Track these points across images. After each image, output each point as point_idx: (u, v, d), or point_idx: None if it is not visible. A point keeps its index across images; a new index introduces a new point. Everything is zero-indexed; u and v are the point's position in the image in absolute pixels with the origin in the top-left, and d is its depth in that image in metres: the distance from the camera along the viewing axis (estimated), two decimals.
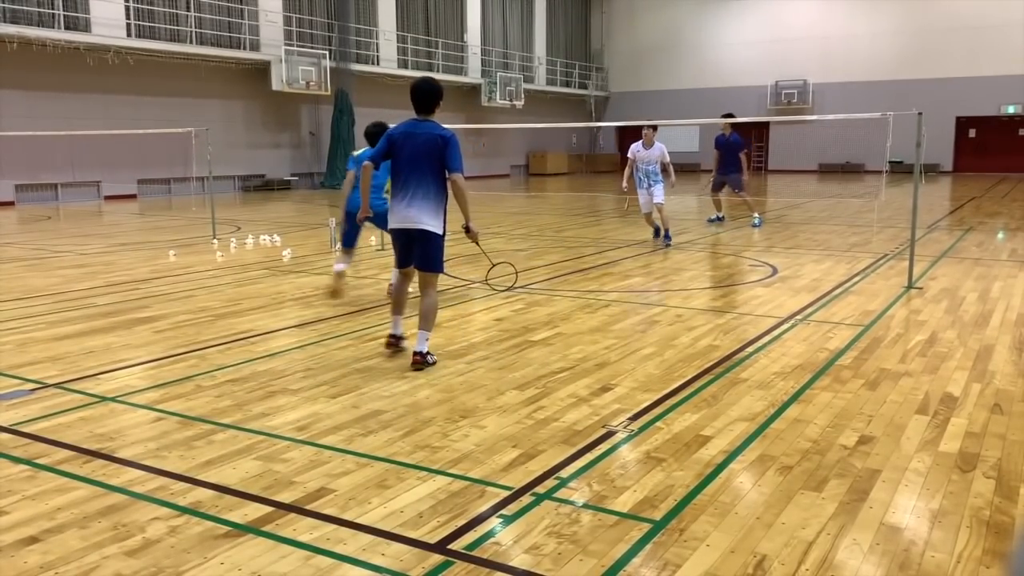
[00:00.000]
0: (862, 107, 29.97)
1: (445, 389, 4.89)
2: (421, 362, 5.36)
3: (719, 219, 14.45)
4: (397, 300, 5.79)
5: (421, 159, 5.39)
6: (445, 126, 5.50)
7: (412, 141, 5.40)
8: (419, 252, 5.49)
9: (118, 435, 4.14)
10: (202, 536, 3.08)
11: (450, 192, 5.49)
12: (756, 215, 14.26)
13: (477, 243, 5.87)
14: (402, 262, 5.67)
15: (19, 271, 9.70)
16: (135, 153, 21.27)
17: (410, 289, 5.95)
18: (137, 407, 4.59)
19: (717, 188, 14.52)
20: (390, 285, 7.32)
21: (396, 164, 5.48)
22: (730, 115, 13.64)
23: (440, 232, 5.47)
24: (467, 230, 5.61)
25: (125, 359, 5.62)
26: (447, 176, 5.41)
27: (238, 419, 4.38)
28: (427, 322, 5.47)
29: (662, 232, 11.84)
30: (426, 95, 5.46)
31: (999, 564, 2.85)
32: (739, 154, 14.05)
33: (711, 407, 4.52)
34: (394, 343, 5.73)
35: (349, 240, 7.70)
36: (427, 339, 5.44)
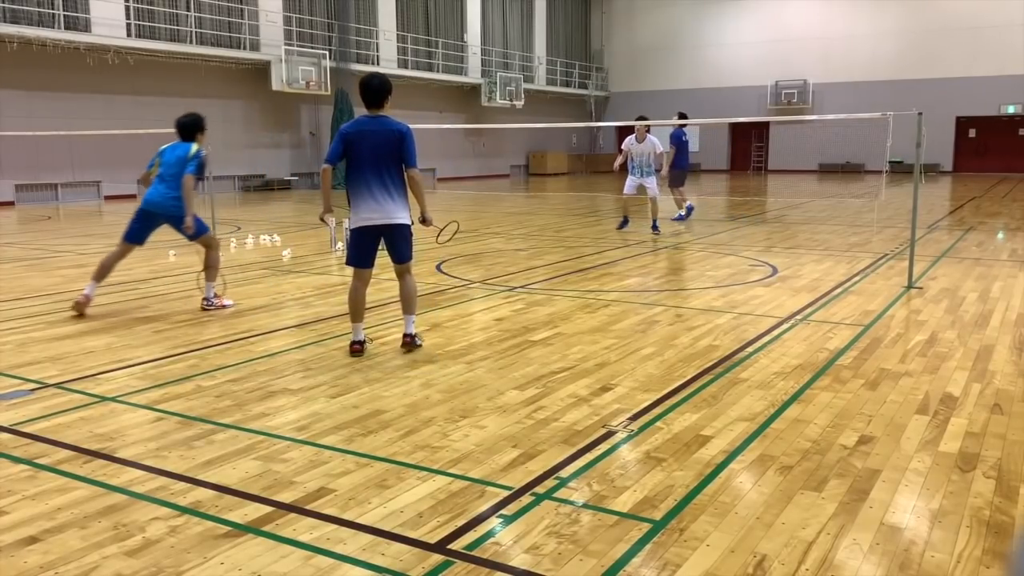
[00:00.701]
0: (862, 107, 29.96)
1: (445, 389, 4.89)
2: (411, 343, 5.70)
3: (688, 210, 14.55)
4: (357, 307, 5.71)
5: (383, 155, 5.54)
6: (406, 123, 5.70)
7: (370, 138, 5.53)
8: (395, 247, 5.68)
9: (118, 435, 4.14)
10: (202, 536, 3.08)
11: None
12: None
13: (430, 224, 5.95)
14: (365, 261, 5.70)
15: (19, 271, 9.70)
16: (135, 153, 21.15)
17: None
18: (137, 407, 4.59)
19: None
20: (82, 296, 6.99)
21: (354, 162, 5.58)
22: (682, 115, 14.62)
23: (410, 223, 5.71)
24: (423, 220, 5.83)
25: (125, 359, 5.62)
26: (405, 170, 5.62)
27: (238, 419, 4.38)
28: (411, 306, 5.78)
29: (626, 222, 13.09)
30: (377, 91, 5.59)
31: (999, 564, 2.85)
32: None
33: (711, 407, 4.52)
34: (359, 348, 5.70)
35: (133, 235, 7.25)
36: (414, 321, 5.77)
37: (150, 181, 7.21)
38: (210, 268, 7.36)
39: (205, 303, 7.27)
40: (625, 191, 13.04)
